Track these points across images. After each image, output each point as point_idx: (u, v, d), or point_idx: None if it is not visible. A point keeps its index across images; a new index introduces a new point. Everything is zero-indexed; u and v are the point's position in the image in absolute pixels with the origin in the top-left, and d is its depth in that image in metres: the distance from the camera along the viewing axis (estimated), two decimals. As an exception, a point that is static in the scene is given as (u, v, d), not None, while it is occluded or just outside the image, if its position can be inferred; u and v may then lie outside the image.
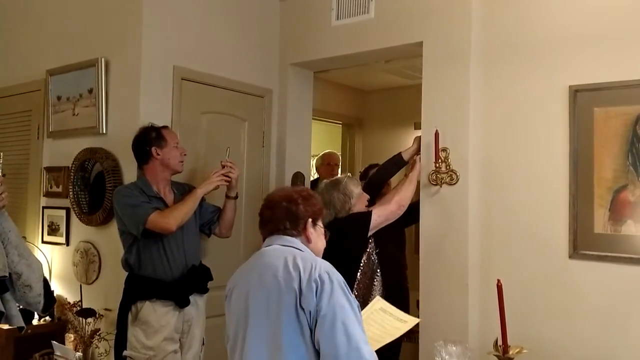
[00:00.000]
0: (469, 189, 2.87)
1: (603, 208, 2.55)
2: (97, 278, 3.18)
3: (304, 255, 1.81)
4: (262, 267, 1.81)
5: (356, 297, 2.76)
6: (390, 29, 3.18)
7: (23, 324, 1.93)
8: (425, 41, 3.04)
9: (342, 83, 5.25)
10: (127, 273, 2.75)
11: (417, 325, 2.30)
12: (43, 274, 1.96)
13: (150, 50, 3.02)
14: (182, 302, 2.71)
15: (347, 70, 4.21)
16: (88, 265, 3.20)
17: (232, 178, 2.86)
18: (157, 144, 2.73)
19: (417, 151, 3.06)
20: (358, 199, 2.87)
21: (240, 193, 3.08)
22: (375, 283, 2.92)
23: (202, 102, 3.29)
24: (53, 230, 3.44)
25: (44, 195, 3.52)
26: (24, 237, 2.07)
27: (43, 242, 3.50)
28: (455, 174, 2.87)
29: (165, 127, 2.84)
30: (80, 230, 3.28)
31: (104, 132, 3.13)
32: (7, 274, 1.81)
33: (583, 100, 2.61)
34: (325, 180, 3.09)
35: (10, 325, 1.94)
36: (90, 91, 3.17)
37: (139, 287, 2.70)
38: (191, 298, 2.75)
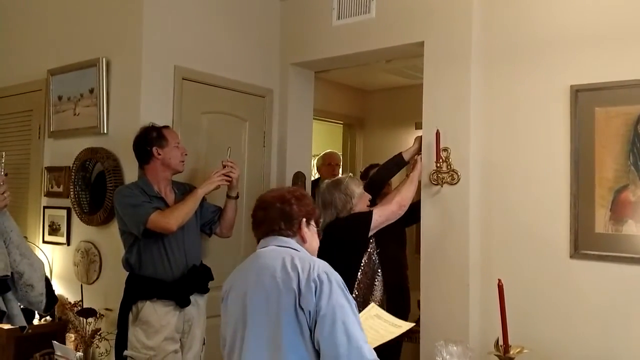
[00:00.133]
0: (470, 188, 2.87)
1: (604, 208, 2.55)
2: (97, 278, 3.18)
3: (301, 255, 1.81)
4: (259, 268, 1.81)
5: (357, 297, 2.77)
6: (391, 29, 3.18)
7: (25, 324, 1.93)
8: (426, 41, 3.04)
9: (343, 83, 5.25)
10: (127, 273, 2.75)
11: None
12: (45, 274, 1.96)
13: (151, 50, 3.02)
14: (182, 302, 2.71)
15: (348, 70, 4.20)
16: (89, 265, 3.21)
17: (233, 178, 2.86)
18: (158, 144, 2.73)
19: (418, 151, 3.06)
20: (359, 199, 2.87)
21: (241, 193, 3.07)
22: (376, 283, 2.92)
23: (203, 102, 3.29)
24: (54, 230, 3.44)
25: (44, 195, 3.52)
26: (25, 237, 2.07)
27: (44, 242, 3.50)
28: (456, 173, 2.87)
29: (166, 126, 2.84)
30: (81, 230, 3.28)
31: (105, 132, 3.13)
32: (9, 274, 1.82)
33: (584, 100, 2.61)
34: (326, 180, 3.09)
35: (12, 324, 1.94)
36: (91, 91, 3.17)
37: (140, 287, 2.70)
38: (192, 298, 2.75)
